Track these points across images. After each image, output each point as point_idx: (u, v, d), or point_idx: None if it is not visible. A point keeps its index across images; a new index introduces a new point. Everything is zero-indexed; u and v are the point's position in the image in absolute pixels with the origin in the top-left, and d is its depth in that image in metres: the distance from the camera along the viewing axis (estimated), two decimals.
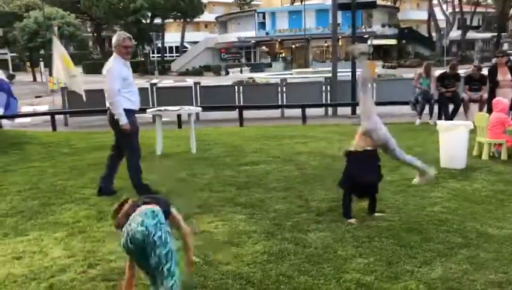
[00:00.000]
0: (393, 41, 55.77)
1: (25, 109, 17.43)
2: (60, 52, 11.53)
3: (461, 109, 10.72)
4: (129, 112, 5.46)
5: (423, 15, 58.22)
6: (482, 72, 10.61)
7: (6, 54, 51.38)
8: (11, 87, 10.51)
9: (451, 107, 10.74)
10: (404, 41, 56.74)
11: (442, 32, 49.40)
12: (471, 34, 56.41)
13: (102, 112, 13.36)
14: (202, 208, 4.96)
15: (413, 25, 60.39)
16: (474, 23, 59.66)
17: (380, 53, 52.98)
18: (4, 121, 12.57)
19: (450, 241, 3.95)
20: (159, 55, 53.81)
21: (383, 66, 42.99)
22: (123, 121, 5.38)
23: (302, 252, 3.81)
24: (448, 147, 6.63)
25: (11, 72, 44.94)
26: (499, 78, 9.05)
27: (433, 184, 5.45)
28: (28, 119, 14.14)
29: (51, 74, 19.07)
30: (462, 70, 13.53)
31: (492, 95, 8.91)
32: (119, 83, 5.36)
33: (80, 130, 12.28)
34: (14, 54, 50.38)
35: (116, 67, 5.41)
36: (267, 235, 4.19)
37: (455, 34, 53.75)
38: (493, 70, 9.29)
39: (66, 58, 11.41)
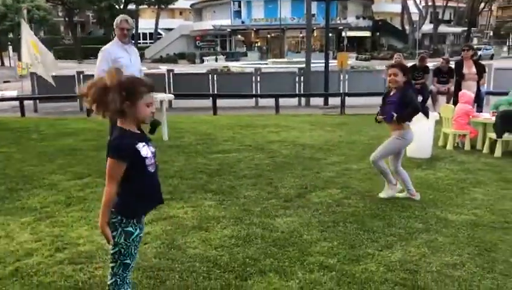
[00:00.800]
0: (367, 33, 56.41)
1: None
2: (29, 36, 11.22)
3: (429, 100, 11.01)
4: None
5: (397, 8, 58.93)
6: (451, 65, 10.90)
7: None
8: None
9: (419, 98, 10.99)
10: (378, 33, 57.44)
11: (415, 26, 50.23)
12: (442, 28, 57.55)
13: (72, 98, 13.40)
14: (172, 194, 4.99)
15: (387, 17, 61.09)
16: (446, 17, 60.87)
17: (354, 45, 53.53)
18: None
19: (411, 227, 4.12)
20: (133, 41, 52.78)
21: (357, 58, 43.51)
22: None
23: (269, 236, 3.90)
24: (415, 137, 6.80)
25: None
26: (464, 71, 9.31)
27: None
28: None
29: (19, 59, 18.52)
30: (432, 63, 13.85)
31: (458, 87, 9.18)
32: (106, 64, 5.47)
33: (50, 116, 12.04)
34: None
35: (109, 48, 5.64)
36: (236, 220, 4.27)
37: (427, 27, 54.70)
38: (460, 64, 9.54)
39: (33, 42, 11.11)
